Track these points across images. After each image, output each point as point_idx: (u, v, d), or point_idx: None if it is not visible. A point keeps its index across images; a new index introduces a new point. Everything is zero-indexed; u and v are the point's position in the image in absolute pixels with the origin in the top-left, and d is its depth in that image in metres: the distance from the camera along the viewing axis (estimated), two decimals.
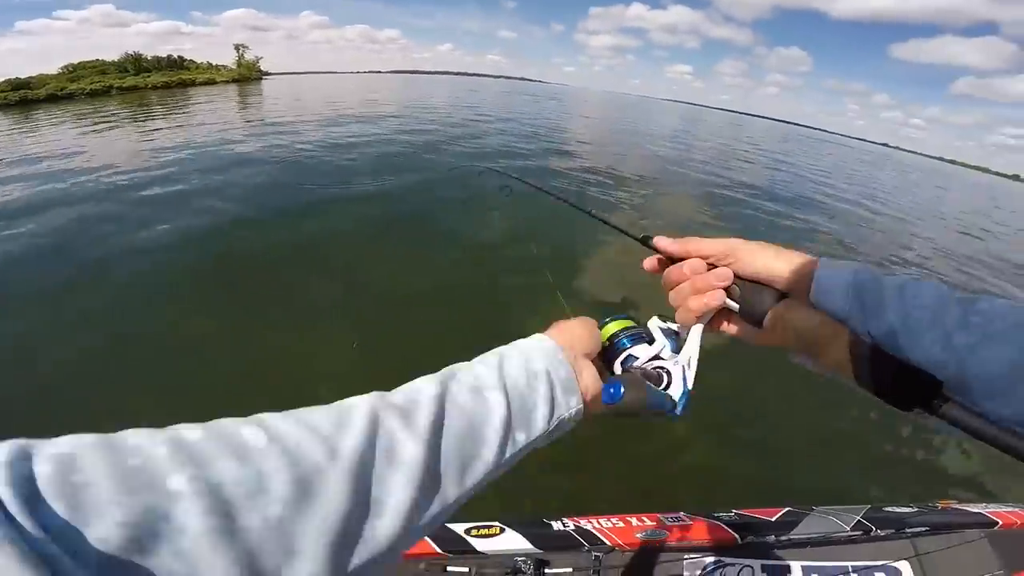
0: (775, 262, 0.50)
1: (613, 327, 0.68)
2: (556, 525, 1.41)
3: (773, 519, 1.52)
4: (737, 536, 1.44)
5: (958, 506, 1.73)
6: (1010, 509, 1.70)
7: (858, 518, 1.54)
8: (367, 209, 6.75)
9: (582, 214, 0.83)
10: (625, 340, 0.64)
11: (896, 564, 1.43)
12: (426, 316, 4.17)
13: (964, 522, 1.62)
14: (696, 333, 0.57)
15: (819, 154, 35.08)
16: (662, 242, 0.57)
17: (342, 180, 8.23)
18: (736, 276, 0.51)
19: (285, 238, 5.64)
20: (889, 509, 1.63)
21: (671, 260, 0.56)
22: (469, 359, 0.49)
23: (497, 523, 1.39)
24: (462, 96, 39.52)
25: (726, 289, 0.51)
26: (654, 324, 0.68)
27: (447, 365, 0.47)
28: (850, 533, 1.50)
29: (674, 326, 0.64)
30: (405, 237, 5.95)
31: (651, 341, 0.65)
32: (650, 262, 0.60)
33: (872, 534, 1.52)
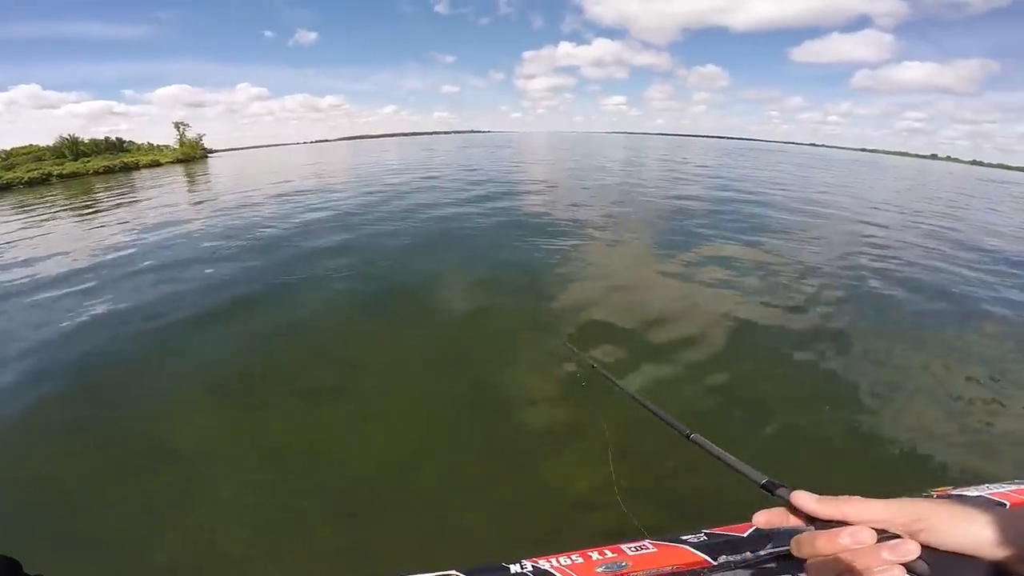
0: (983, 530, 0.41)
1: None
2: (514, 568, 1.34)
3: (745, 534, 1.42)
4: (708, 558, 1.34)
5: (956, 491, 1.62)
6: (1016, 487, 1.60)
7: None
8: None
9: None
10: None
11: None
12: None
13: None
14: None
15: (770, 163, 37.18)
16: (802, 499, 0.47)
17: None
18: (924, 548, 0.41)
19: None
20: None
21: (811, 519, 0.47)
22: None
23: (453, 571, 1.30)
24: (420, 156, 40.26)
25: (907, 566, 0.40)
26: None
27: None
28: None
29: None
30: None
31: None
32: (769, 516, 0.51)
33: None
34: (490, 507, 2.71)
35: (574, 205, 12.43)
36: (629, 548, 1.37)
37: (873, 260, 7.94)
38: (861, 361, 4.46)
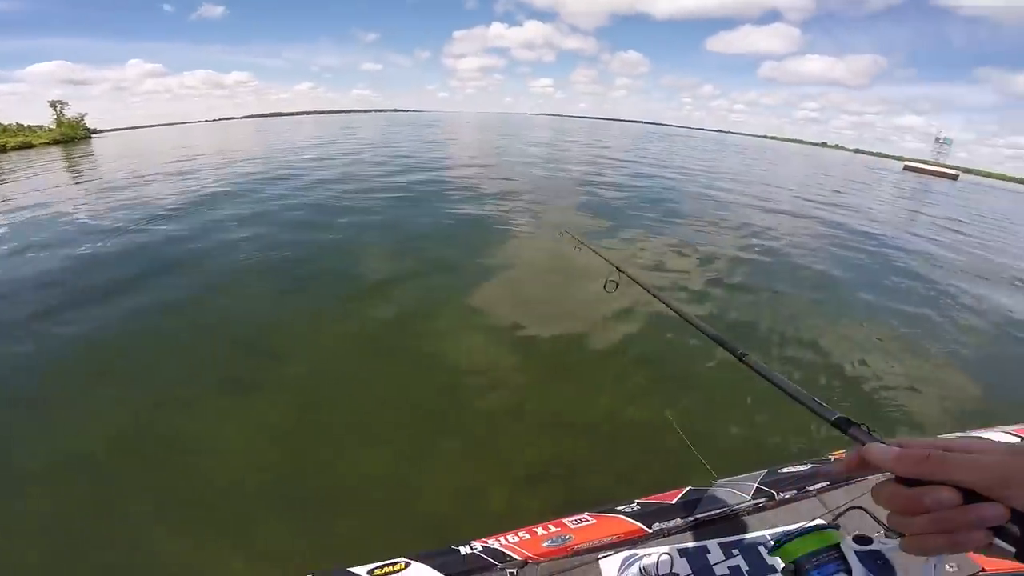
0: None
1: (795, 548, 0.55)
2: (464, 550, 1.36)
3: (674, 501, 1.49)
4: (643, 526, 1.41)
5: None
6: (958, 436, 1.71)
7: (756, 484, 1.52)
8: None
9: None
10: (813, 572, 0.52)
11: (813, 524, 1.36)
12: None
13: (864, 471, 1.62)
14: (929, 572, 0.45)
15: (687, 147, 39.21)
16: (876, 453, 0.43)
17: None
18: (1014, 512, 0.37)
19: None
20: (785, 470, 1.61)
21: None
22: None
23: (402, 559, 1.31)
24: (340, 134, 37.99)
25: (995, 529, 0.37)
26: (849, 546, 0.56)
27: None
28: (755, 501, 1.48)
29: (883, 547, 0.54)
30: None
31: (848, 570, 0.53)
32: (849, 462, 0.47)
33: (778, 498, 1.49)
34: (444, 489, 2.66)
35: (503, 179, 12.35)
36: (571, 522, 1.42)
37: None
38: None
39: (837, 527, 0.77)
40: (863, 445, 0.46)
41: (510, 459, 2.86)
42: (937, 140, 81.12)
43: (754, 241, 8.06)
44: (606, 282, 1.64)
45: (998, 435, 1.82)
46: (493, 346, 4.15)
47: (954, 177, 59.92)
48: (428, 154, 20.36)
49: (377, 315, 4.65)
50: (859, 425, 0.50)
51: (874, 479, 1.41)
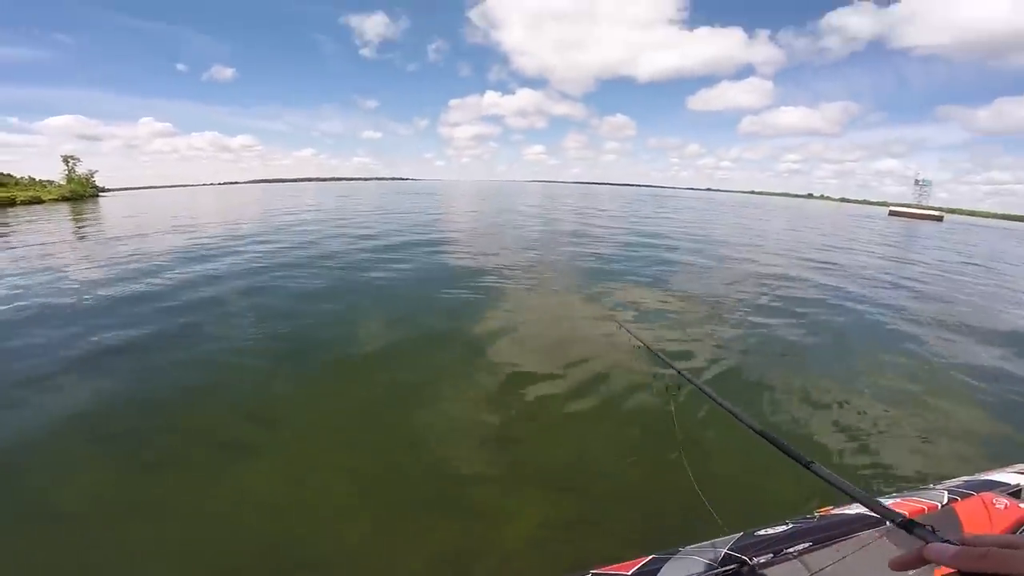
0: None
1: None
2: None
3: (630, 573, 1.38)
4: None
5: (839, 511, 1.62)
6: (894, 500, 1.66)
7: (725, 551, 1.42)
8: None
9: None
10: None
11: None
12: None
13: (852, 526, 1.53)
14: None
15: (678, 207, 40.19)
16: (934, 552, 0.47)
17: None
18: None
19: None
20: (762, 532, 1.51)
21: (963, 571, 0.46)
22: None
23: None
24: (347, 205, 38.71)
25: None
26: None
27: None
28: (725, 568, 1.38)
29: None
30: None
31: None
32: (905, 560, 0.51)
33: (753, 562, 1.39)
34: (429, 557, 2.57)
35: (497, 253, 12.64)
36: None
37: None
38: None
39: None
40: (926, 544, 0.49)
41: (507, 523, 2.79)
42: (917, 182, 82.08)
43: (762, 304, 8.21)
44: (667, 387, 1.61)
45: (1010, 475, 1.81)
46: (491, 409, 4.16)
47: (939, 219, 61.29)
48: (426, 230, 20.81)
49: (373, 382, 4.73)
50: (924, 526, 0.54)
51: (865, 536, 1.41)
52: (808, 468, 0.83)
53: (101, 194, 58.51)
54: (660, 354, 1.80)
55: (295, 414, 4.07)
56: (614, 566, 1.41)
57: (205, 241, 14.04)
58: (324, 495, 3.08)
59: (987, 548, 0.44)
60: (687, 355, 5.41)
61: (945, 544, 0.47)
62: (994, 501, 1.56)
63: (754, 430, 1.07)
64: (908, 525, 0.55)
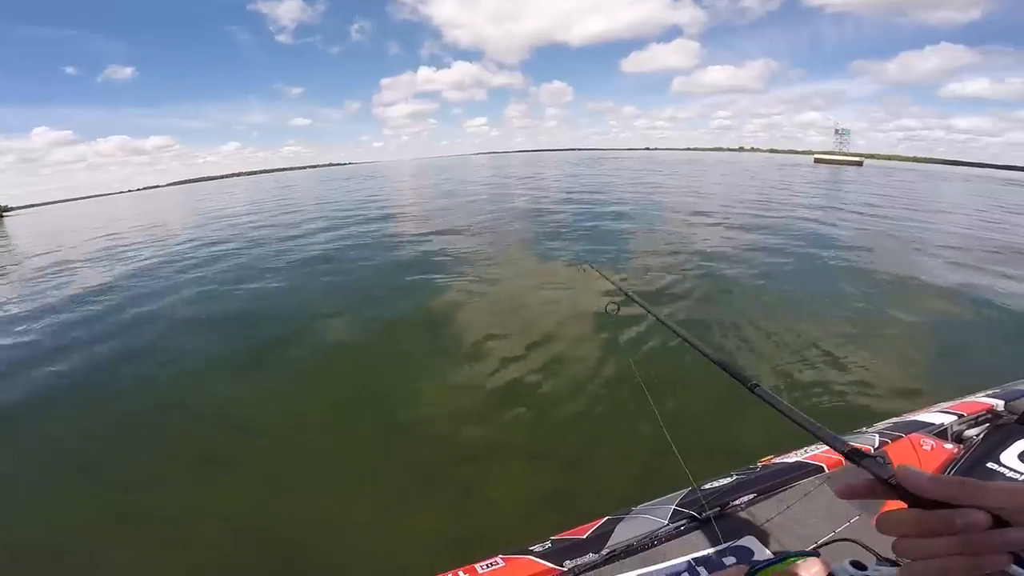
0: None
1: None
2: None
3: (585, 536, 1.41)
4: (555, 565, 1.34)
5: (779, 459, 1.66)
6: (823, 450, 1.68)
7: (673, 507, 1.43)
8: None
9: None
10: None
11: (742, 542, 1.26)
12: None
13: (792, 475, 1.55)
14: None
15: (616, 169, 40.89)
16: (912, 476, 0.42)
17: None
18: None
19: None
20: (708, 486, 1.53)
21: (917, 501, 0.42)
22: None
23: None
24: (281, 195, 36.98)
25: (1014, 555, 0.38)
26: (844, 570, 0.53)
27: None
28: (673, 525, 1.39)
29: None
30: None
31: None
32: (853, 489, 0.47)
33: (703, 516, 1.40)
34: (429, 544, 2.59)
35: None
36: (481, 567, 1.36)
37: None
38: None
39: (817, 554, 0.75)
40: (889, 475, 0.46)
41: (497, 499, 2.85)
42: (837, 132, 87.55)
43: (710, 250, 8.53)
44: (607, 305, 1.62)
45: (935, 415, 1.83)
46: (462, 385, 4.17)
47: (859, 163, 65.91)
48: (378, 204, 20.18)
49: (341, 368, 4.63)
50: (874, 457, 0.50)
51: (806, 484, 1.49)
52: (752, 391, 0.83)
53: (5, 214, 52.93)
54: (630, 293, 1.78)
55: (269, 419, 3.93)
56: (572, 531, 1.44)
57: (132, 253, 13.05)
58: (311, 496, 3.02)
59: (962, 477, 0.40)
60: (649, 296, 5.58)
61: (919, 469, 0.43)
62: (921, 442, 1.62)
63: (704, 354, 1.09)
64: (856, 455, 0.52)
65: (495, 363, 4.52)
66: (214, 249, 12.17)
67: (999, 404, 1.85)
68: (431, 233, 11.63)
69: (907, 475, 0.43)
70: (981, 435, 1.65)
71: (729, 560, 1.20)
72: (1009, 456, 1.40)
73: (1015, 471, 1.34)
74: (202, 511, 2.94)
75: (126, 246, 14.77)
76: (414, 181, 38.25)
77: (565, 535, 1.43)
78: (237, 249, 11.82)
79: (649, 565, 1.28)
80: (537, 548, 1.39)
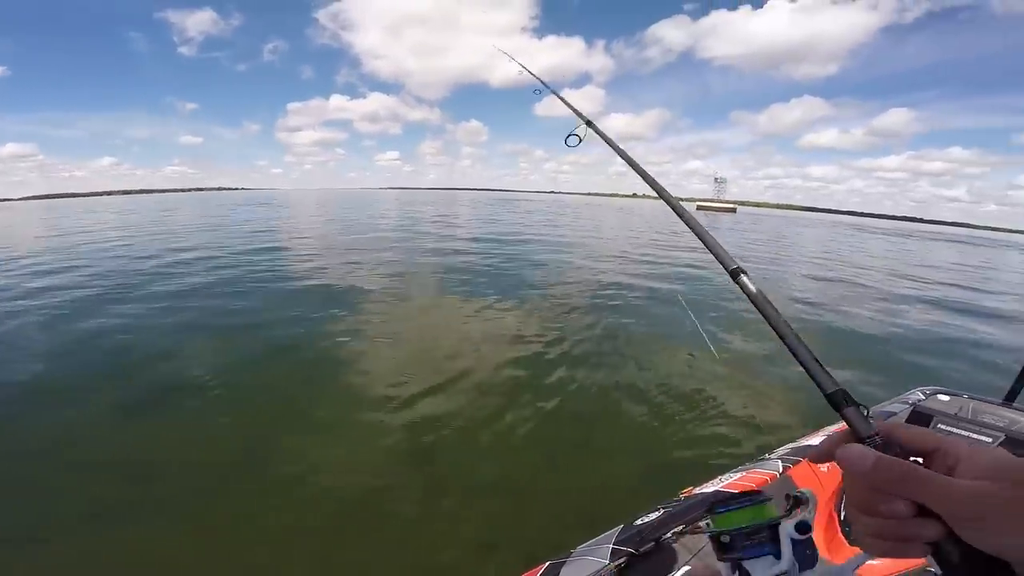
0: None
1: (732, 520, 0.55)
2: None
3: None
4: None
5: (699, 490, 1.69)
6: (740, 475, 1.71)
7: (611, 546, 1.43)
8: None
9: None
10: (747, 552, 0.50)
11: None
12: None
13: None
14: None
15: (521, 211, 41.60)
16: (856, 458, 0.39)
17: None
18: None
19: None
20: (639, 522, 1.55)
21: (903, 451, 0.40)
22: None
23: None
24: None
25: (933, 545, 0.37)
26: (787, 532, 0.54)
27: None
28: (616, 563, 1.38)
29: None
30: None
31: (777, 554, 0.52)
32: (827, 452, 0.43)
33: (640, 551, 1.41)
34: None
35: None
36: None
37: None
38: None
39: (770, 499, 0.72)
40: (869, 433, 0.41)
41: (439, 540, 2.78)
42: (715, 180, 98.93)
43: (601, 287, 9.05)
44: (569, 135, 1.48)
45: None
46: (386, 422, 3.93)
47: (733, 210, 75.22)
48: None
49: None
50: (858, 405, 0.42)
51: None
52: (735, 279, 0.64)
53: None
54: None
55: (166, 468, 3.48)
56: None
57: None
58: (232, 544, 2.78)
59: (907, 469, 0.37)
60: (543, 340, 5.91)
61: (863, 449, 0.39)
62: (820, 465, 1.59)
63: (683, 221, 0.85)
64: (841, 398, 0.44)
65: (397, 408, 4.25)
66: (71, 277, 10.03)
67: None
68: (325, 267, 11.18)
69: (849, 454, 0.39)
70: None
71: None
72: None
73: None
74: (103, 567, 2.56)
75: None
76: (308, 213, 36.22)
77: None
78: (105, 282, 9.63)
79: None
80: None
